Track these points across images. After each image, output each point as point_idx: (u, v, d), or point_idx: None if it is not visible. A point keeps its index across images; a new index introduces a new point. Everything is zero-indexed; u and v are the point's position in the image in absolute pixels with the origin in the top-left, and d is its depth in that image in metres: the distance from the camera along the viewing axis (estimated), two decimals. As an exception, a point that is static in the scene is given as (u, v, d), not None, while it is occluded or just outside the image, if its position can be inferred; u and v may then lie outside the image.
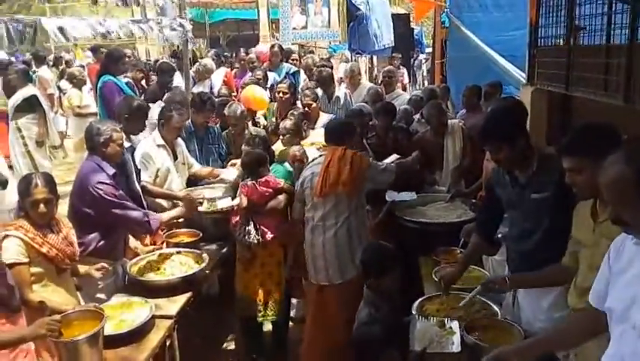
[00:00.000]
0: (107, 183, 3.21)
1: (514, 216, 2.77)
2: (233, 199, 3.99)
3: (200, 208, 3.89)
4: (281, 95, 5.27)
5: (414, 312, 2.81)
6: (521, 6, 6.25)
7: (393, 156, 4.06)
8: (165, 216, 3.61)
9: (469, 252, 3.04)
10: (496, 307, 2.78)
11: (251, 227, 3.78)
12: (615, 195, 1.59)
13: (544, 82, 3.75)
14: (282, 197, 3.86)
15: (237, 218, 3.87)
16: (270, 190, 3.82)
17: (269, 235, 3.80)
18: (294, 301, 4.41)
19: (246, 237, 3.77)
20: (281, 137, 4.41)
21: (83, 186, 3.23)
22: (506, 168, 2.71)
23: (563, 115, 3.77)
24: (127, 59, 6.09)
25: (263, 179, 3.80)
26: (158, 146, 4.15)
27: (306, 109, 4.97)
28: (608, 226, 2.03)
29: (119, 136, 3.36)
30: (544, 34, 3.84)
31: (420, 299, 2.95)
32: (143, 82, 7.81)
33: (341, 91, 5.44)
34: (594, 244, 2.17)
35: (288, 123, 4.40)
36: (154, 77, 7.80)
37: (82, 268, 3.04)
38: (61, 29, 5.71)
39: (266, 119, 5.22)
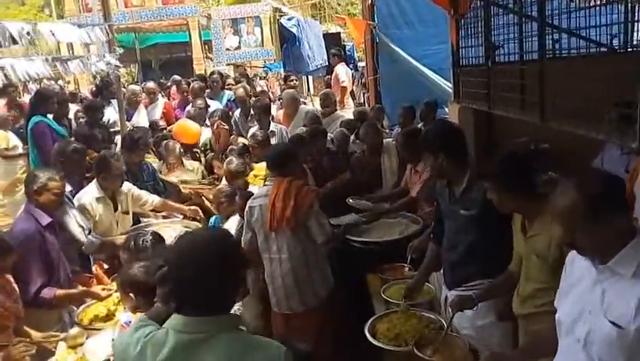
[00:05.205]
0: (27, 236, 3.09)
1: (447, 227, 2.97)
2: None
3: None
4: (216, 127, 5.29)
5: (366, 332, 2.90)
6: (444, 21, 6.55)
7: (353, 216, 4.13)
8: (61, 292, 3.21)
9: (428, 261, 3.20)
10: (443, 321, 2.87)
11: None
12: (567, 221, 1.67)
13: (469, 100, 3.91)
14: None
15: None
16: None
17: None
18: None
19: None
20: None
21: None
22: (440, 178, 2.94)
23: (489, 130, 3.99)
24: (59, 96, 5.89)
25: None
26: (97, 199, 3.99)
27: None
28: (536, 242, 2.25)
29: (56, 185, 3.26)
30: (465, 55, 4.03)
31: (371, 319, 3.03)
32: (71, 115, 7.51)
33: (277, 126, 5.49)
34: (526, 257, 2.39)
35: (233, 165, 4.23)
36: (72, 107, 7.41)
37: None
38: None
39: (206, 150, 5.20)
